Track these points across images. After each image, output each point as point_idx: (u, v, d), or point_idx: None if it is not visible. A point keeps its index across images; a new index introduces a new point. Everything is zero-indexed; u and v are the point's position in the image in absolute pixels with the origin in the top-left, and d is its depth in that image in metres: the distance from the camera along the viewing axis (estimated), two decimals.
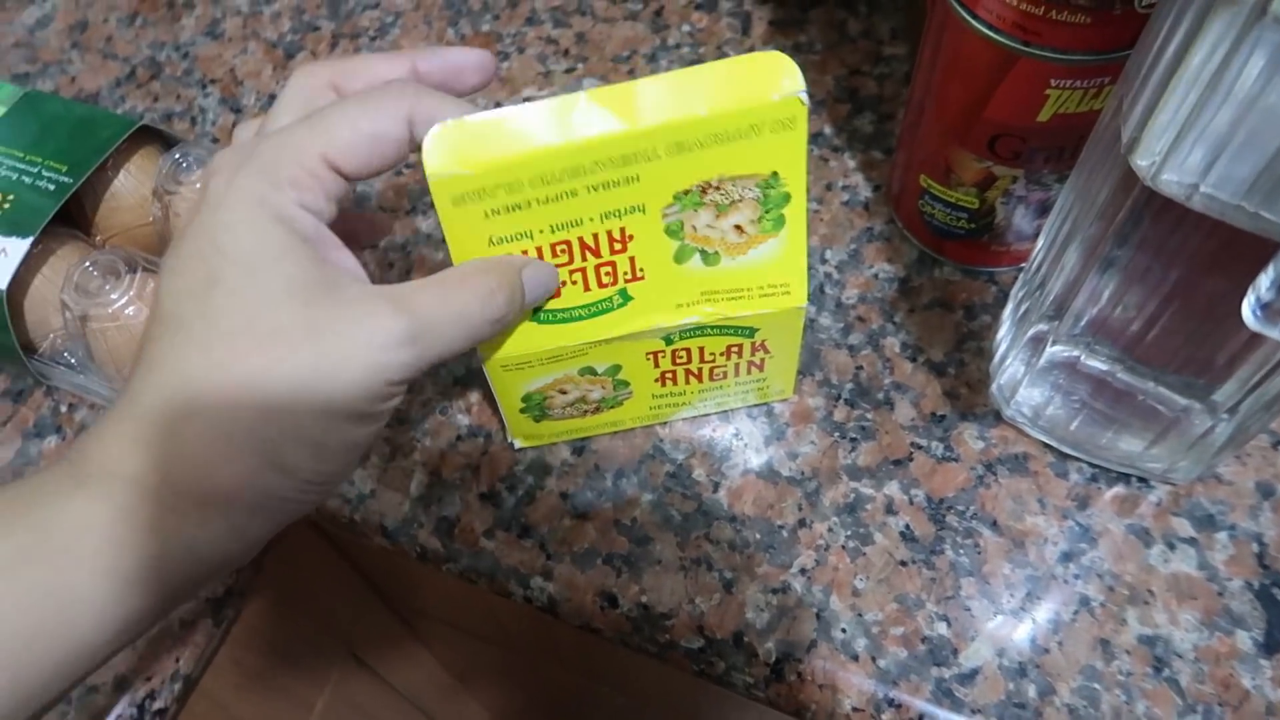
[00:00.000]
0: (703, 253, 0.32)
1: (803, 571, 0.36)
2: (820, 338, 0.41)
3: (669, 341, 0.34)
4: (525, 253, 0.30)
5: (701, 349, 0.35)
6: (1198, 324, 0.30)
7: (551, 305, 0.32)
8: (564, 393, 0.36)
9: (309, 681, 0.51)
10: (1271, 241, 0.24)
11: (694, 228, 0.31)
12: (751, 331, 0.34)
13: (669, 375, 0.36)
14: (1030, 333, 0.35)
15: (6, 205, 0.37)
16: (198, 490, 0.22)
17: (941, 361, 0.40)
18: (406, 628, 0.57)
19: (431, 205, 0.46)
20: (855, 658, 0.34)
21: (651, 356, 0.35)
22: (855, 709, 0.34)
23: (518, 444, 0.39)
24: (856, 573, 0.36)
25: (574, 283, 0.31)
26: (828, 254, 0.43)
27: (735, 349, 0.35)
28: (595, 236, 0.30)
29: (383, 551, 0.41)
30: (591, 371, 0.35)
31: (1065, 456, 0.37)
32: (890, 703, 0.33)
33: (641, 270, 0.32)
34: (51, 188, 0.37)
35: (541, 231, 0.29)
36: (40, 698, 0.21)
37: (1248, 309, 0.23)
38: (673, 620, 0.35)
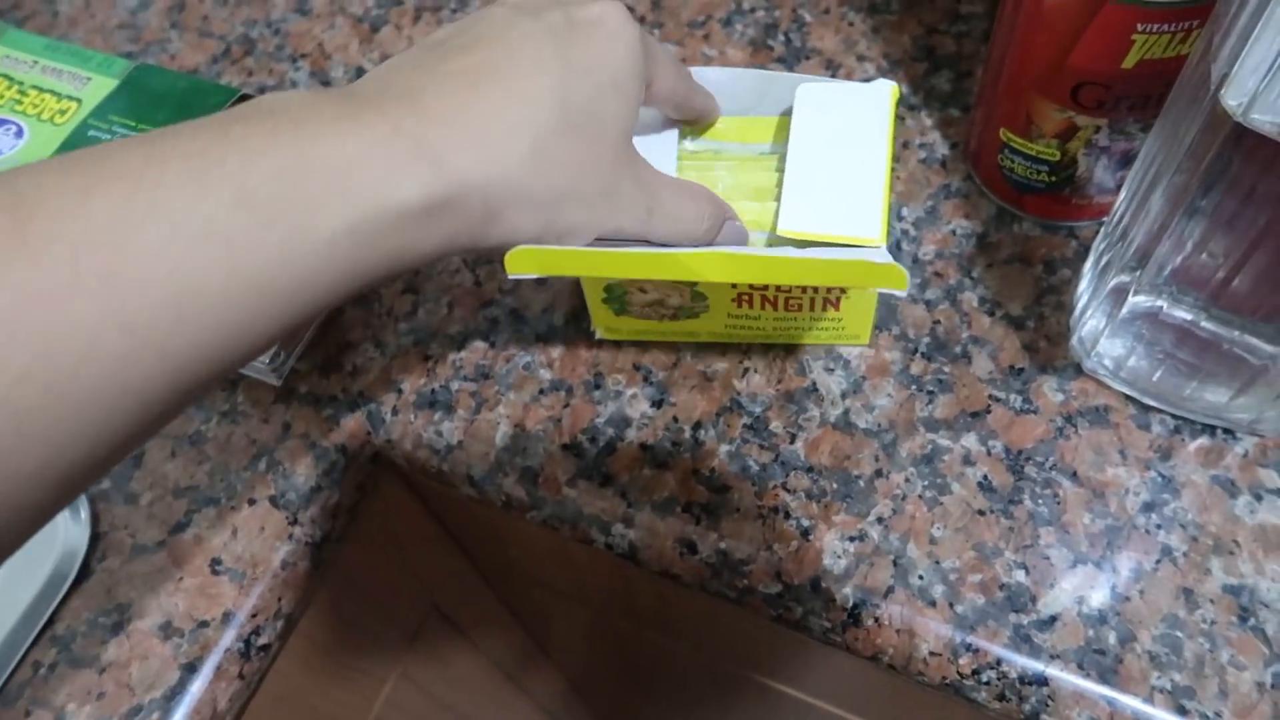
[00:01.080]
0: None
1: (880, 520, 0.36)
2: (897, 293, 0.41)
3: None
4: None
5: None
6: None
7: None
8: (644, 291, 0.37)
9: (398, 628, 0.53)
10: None
11: None
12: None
13: (745, 298, 0.37)
14: (1112, 284, 0.35)
15: None
16: (499, 211, 0.28)
17: (1020, 315, 0.40)
18: (485, 583, 0.59)
19: None
20: (932, 603, 0.35)
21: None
22: (932, 653, 0.34)
23: (599, 334, 0.41)
24: (934, 521, 0.36)
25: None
26: (904, 211, 0.43)
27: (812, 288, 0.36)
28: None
29: (468, 502, 0.42)
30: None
31: (1147, 408, 0.37)
32: (968, 647, 0.34)
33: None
34: None
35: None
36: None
37: None
38: (751, 566, 0.36)
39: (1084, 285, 0.38)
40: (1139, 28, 0.32)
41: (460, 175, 0.26)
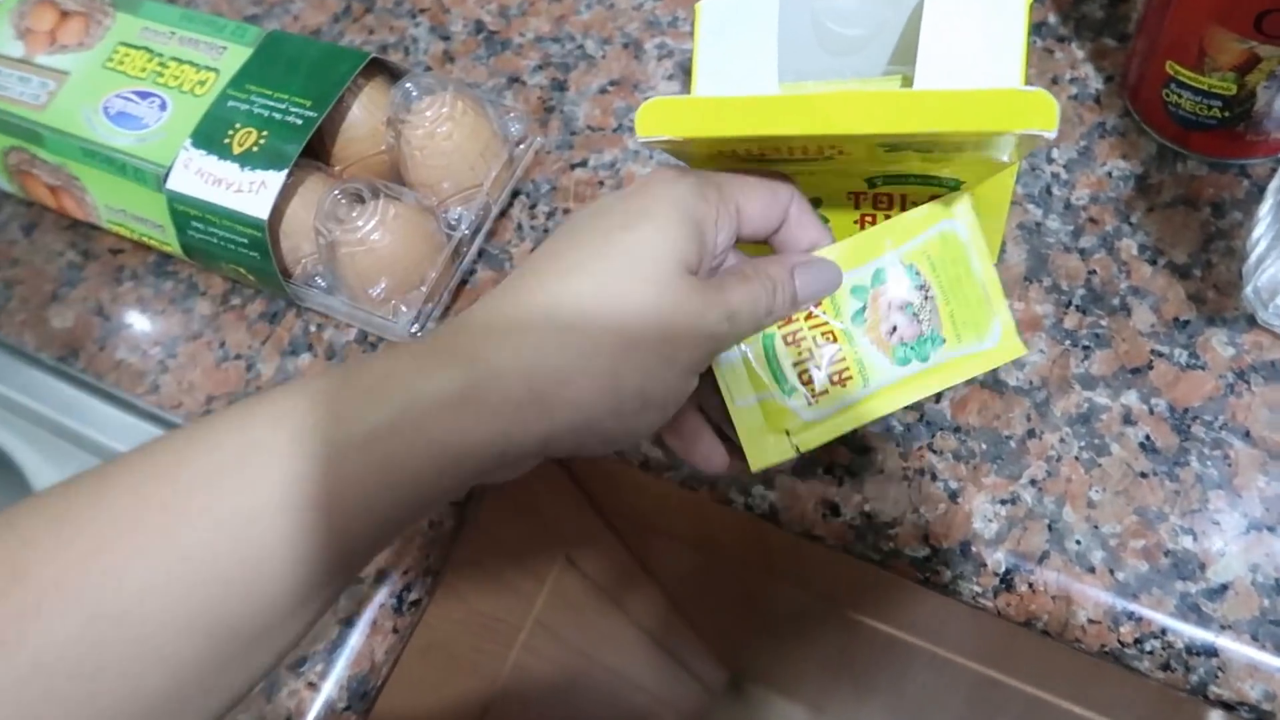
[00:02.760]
0: None
1: (1033, 483, 0.35)
2: (1048, 241, 0.39)
3: (872, 185, 0.33)
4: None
5: (904, 197, 0.33)
6: None
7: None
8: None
9: (532, 578, 0.55)
10: None
11: None
12: (957, 184, 0.32)
13: (868, 218, 0.34)
14: None
15: (262, 141, 0.40)
16: (543, 391, 0.25)
17: (1185, 263, 0.37)
18: (614, 532, 0.60)
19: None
20: (1091, 570, 0.33)
21: (853, 197, 0.34)
22: (1091, 620, 0.33)
23: None
24: (1091, 484, 0.35)
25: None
26: (1054, 153, 0.41)
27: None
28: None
29: (603, 462, 0.43)
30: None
31: None
32: (1130, 616, 0.33)
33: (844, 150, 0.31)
34: (299, 122, 0.40)
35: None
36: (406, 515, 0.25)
37: None
38: (897, 529, 0.36)
39: (1261, 229, 0.35)
40: None
41: (494, 366, 0.26)
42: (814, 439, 0.31)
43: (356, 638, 0.39)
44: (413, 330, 0.41)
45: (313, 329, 0.46)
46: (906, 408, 0.37)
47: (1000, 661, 0.54)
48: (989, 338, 0.31)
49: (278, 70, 0.42)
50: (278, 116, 0.40)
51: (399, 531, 0.26)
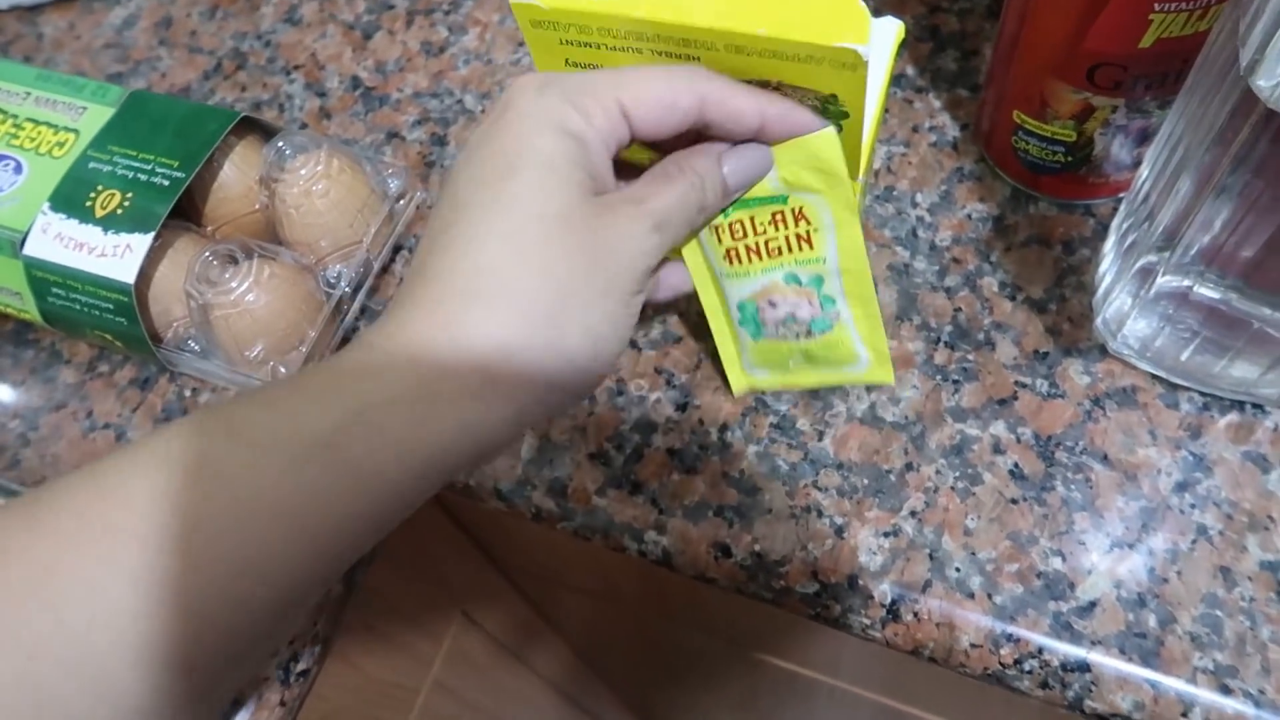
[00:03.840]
0: None
1: (913, 514, 0.36)
2: (916, 281, 0.41)
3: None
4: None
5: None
6: None
7: None
8: None
9: (428, 639, 0.53)
10: None
11: None
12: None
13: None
14: (1138, 264, 0.34)
15: (126, 203, 0.39)
16: (495, 368, 0.24)
17: (1042, 298, 0.40)
18: (513, 586, 0.59)
19: None
20: (971, 595, 0.35)
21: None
22: (973, 645, 0.34)
23: None
24: (967, 512, 0.36)
25: None
26: (918, 197, 0.43)
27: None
28: None
29: (495, 514, 0.42)
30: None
31: (1175, 387, 0.37)
32: (1008, 638, 0.34)
33: None
34: (166, 183, 0.39)
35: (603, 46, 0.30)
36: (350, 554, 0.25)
37: None
38: (787, 567, 0.36)
39: (1106, 265, 0.37)
40: (1157, 6, 0.31)
41: (438, 361, 0.25)
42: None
43: (242, 717, 0.37)
44: None
45: (188, 394, 0.44)
46: (790, 446, 0.38)
47: (897, 690, 0.55)
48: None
49: (142, 130, 0.41)
50: (143, 178, 0.39)
51: (375, 538, 0.25)
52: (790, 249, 0.34)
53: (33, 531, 0.22)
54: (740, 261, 0.34)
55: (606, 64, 0.31)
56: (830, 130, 0.30)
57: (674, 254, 0.35)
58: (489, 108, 0.29)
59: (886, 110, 0.45)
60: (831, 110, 0.30)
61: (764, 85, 0.30)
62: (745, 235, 0.34)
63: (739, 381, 0.39)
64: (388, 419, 0.24)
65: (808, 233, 0.33)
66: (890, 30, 0.36)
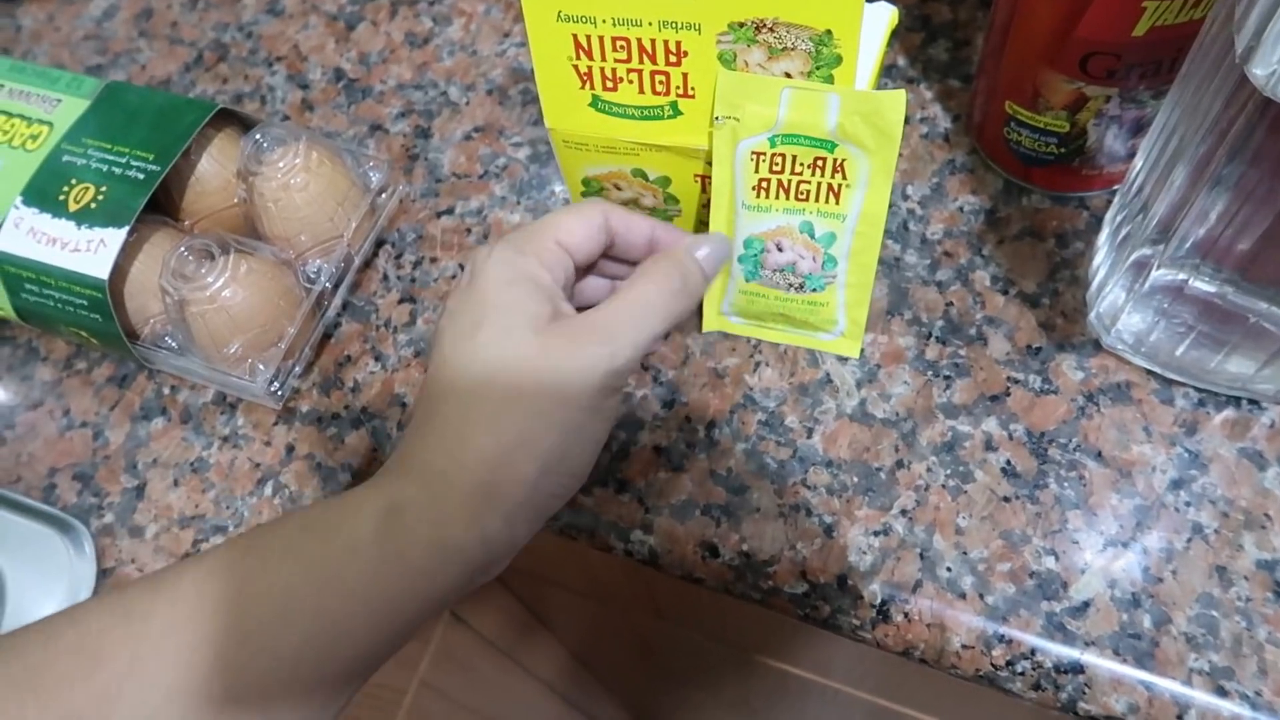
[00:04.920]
0: None
1: (904, 513, 0.36)
2: (907, 275, 0.40)
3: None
4: (587, 38, 0.33)
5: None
6: None
7: (608, 98, 0.34)
8: (619, 189, 0.38)
9: (415, 639, 0.53)
10: None
11: (745, 63, 0.33)
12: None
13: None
14: (1132, 258, 0.34)
15: (100, 197, 0.38)
16: (485, 489, 0.28)
17: (1035, 292, 0.39)
18: (503, 584, 0.59)
19: (502, 171, 0.46)
20: (962, 595, 0.34)
21: (699, 180, 0.36)
22: (965, 646, 0.34)
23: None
24: (958, 511, 0.35)
25: (630, 82, 0.34)
26: (909, 190, 0.42)
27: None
28: (653, 42, 0.32)
29: None
30: (643, 176, 0.37)
31: (1170, 382, 0.36)
32: (1001, 639, 0.33)
33: (693, 89, 0.33)
34: (141, 177, 0.38)
35: (605, 21, 0.32)
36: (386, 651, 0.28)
37: None
38: (775, 567, 0.36)
39: (1100, 259, 0.37)
40: None
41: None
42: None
43: None
44: (273, 389, 0.39)
45: (166, 391, 0.43)
46: (778, 443, 0.37)
47: (890, 691, 0.54)
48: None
49: (117, 123, 0.40)
50: (118, 171, 0.38)
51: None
52: (818, 197, 0.34)
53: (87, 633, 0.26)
54: (767, 195, 0.35)
55: (602, 14, 0.32)
56: (900, 91, 0.32)
57: (704, 165, 0.36)
58: (459, 276, 0.35)
59: None
60: (825, 52, 0.32)
61: (759, 27, 0.32)
62: (782, 170, 0.34)
63: (712, 321, 0.39)
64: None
65: (840, 185, 0.34)
66: (884, 14, 0.35)
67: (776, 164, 0.34)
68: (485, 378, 0.29)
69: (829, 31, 0.31)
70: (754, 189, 0.34)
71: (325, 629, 0.26)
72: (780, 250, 0.35)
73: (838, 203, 0.34)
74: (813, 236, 0.35)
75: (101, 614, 0.26)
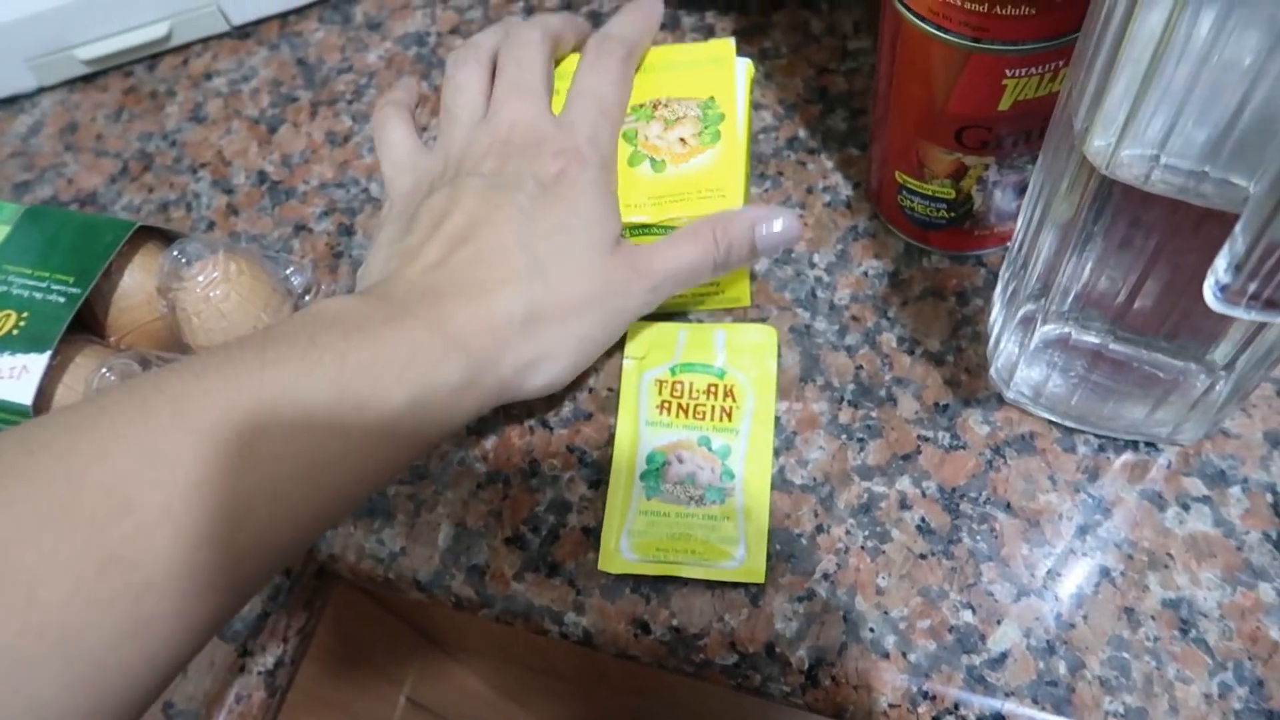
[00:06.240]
0: (651, 160, 0.39)
1: (825, 576, 0.36)
2: (817, 342, 0.41)
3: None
4: None
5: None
6: (1182, 289, 0.30)
7: None
8: None
9: None
10: (1229, 216, 0.25)
11: (646, 137, 0.40)
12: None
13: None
14: (1020, 313, 0.35)
15: (22, 323, 0.39)
16: (523, 365, 0.35)
17: (939, 351, 0.40)
18: (457, 664, 0.59)
19: None
20: (886, 655, 0.35)
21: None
22: (891, 705, 0.34)
23: None
24: (878, 571, 0.36)
25: None
26: (816, 257, 0.44)
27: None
28: None
29: (421, 603, 0.42)
30: None
31: (1071, 430, 0.38)
32: (925, 695, 0.34)
33: None
34: (62, 300, 0.39)
35: None
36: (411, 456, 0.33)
37: (1209, 291, 0.24)
38: (705, 639, 0.36)
39: (995, 314, 0.38)
40: (1008, 73, 0.33)
41: (480, 357, 0.33)
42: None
43: None
44: None
45: None
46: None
47: None
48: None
49: (36, 247, 0.41)
50: (39, 296, 0.39)
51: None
52: (713, 416, 0.39)
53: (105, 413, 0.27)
54: (668, 413, 0.39)
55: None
56: (770, 328, 0.41)
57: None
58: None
59: (780, 173, 0.46)
60: (710, 114, 0.40)
61: (656, 105, 0.40)
62: (681, 395, 0.40)
63: (609, 561, 0.37)
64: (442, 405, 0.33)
65: (730, 407, 0.39)
66: (742, 68, 0.41)
67: (676, 389, 0.40)
68: (554, 270, 0.35)
69: (712, 98, 0.40)
70: (657, 408, 0.40)
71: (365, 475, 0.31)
72: (681, 461, 0.38)
73: (730, 420, 0.39)
74: (710, 449, 0.38)
75: (130, 448, 0.26)
